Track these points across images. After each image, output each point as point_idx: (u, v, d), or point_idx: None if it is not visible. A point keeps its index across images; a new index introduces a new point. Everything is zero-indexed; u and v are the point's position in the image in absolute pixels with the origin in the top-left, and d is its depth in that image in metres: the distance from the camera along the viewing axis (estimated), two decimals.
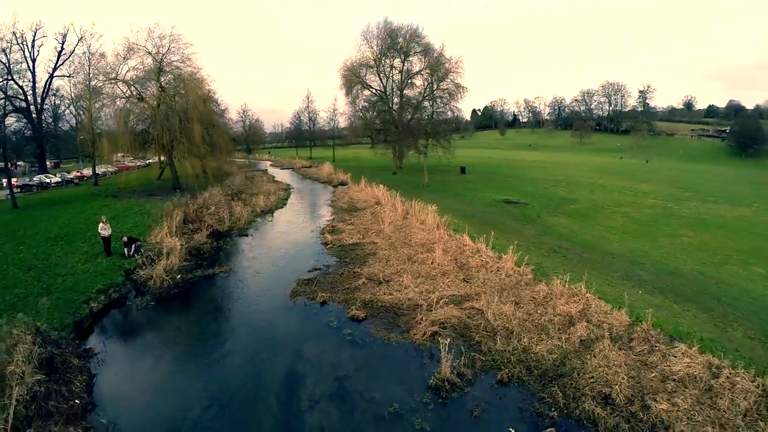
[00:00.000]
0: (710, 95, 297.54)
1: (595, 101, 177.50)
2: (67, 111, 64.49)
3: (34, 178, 48.39)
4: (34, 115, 56.21)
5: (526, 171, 58.27)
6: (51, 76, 56.77)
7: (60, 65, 55.89)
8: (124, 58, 37.75)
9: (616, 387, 9.36)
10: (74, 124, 65.94)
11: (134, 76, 38.34)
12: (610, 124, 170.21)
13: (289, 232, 26.09)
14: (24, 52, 55.01)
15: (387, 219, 24.23)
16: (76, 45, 54.18)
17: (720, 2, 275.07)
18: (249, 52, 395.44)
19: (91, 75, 44.18)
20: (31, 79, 56.32)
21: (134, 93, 38.15)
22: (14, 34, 52.97)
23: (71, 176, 53.37)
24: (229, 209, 29.24)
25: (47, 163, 65.72)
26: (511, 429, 8.00)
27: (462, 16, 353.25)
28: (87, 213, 28.78)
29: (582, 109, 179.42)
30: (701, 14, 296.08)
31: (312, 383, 10.10)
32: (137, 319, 14.39)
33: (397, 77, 60.46)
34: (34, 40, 55.32)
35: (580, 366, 10.16)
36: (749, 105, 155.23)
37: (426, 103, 60.87)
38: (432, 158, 51.93)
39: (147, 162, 68.48)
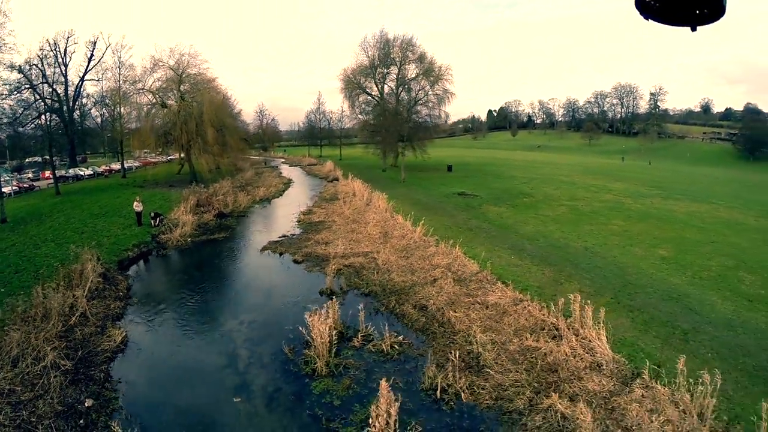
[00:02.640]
0: (732, 99, 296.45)
1: (608, 103, 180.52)
2: (93, 110, 73.17)
3: (69, 171, 57.18)
4: (65, 115, 65.36)
5: (511, 170, 62.58)
6: (81, 80, 65.89)
7: (90, 70, 64.92)
8: (150, 71, 46.06)
9: (432, 302, 15.01)
10: (100, 123, 75.05)
11: (159, 86, 46.54)
12: (622, 126, 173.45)
13: (275, 213, 34.47)
14: (57, 57, 64.18)
15: (352, 205, 31.64)
16: (104, 52, 63.04)
17: (740, 3, 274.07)
18: (274, 50, 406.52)
19: (121, 82, 52.70)
20: (64, 82, 65.46)
21: (158, 100, 46.33)
22: (48, 41, 62.10)
23: (101, 170, 62.02)
24: (234, 197, 37.06)
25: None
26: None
27: (488, 16, 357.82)
28: (121, 198, 36.72)
29: (595, 111, 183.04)
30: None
31: (263, 288, 17.81)
32: (158, 261, 22.26)
33: (392, 83, 67.38)
34: (66, 47, 64.42)
35: (419, 290, 16.23)
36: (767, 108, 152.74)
37: (419, 107, 67.36)
38: (423, 158, 59.40)
39: (168, 158, 77.12)
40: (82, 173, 57.27)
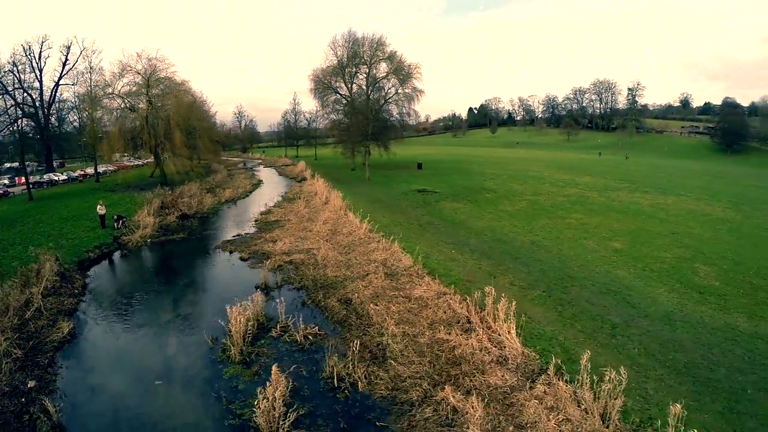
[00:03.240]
0: (712, 95, 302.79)
1: (587, 99, 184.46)
2: (70, 114, 74.20)
3: (45, 176, 58.26)
4: (41, 120, 66.40)
5: (482, 167, 63.10)
6: (56, 84, 66.90)
7: (65, 74, 65.95)
8: (119, 75, 47.43)
9: (357, 295, 16.21)
10: (78, 127, 75.97)
11: (127, 90, 47.91)
12: (602, 122, 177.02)
13: (236, 214, 36.26)
14: (32, 62, 65.11)
15: (310, 204, 33.55)
16: (78, 57, 64.24)
17: (723, 1, 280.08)
18: (254, 51, 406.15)
19: (92, 87, 54.04)
20: (39, 87, 66.44)
21: (127, 105, 47.74)
22: (23, 46, 63.10)
23: (76, 174, 63.14)
24: (199, 199, 38.72)
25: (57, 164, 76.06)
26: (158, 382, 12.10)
27: (468, 16, 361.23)
28: (90, 202, 38.01)
29: (574, 107, 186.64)
30: (703, 13, 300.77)
31: (205, 284, 19.79)
32: (117, 262, 23.92)
33: (362, 83, 68.79)
34: (41, 52, 65.34)
35: (349, 284, 17.51)
36: (746, 103, 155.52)
37: (390, 106, 68.58)
38: (392, 156, 61.17)
39: (143, 162, 78.16)
40: (56, 178, 58.34)
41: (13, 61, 61.52)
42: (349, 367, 11.49)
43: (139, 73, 46.98)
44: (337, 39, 71.09)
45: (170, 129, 46.12)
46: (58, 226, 29.64)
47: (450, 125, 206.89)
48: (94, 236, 27.00)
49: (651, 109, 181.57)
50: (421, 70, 66.77)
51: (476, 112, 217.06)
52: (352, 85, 68.54)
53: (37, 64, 65.32)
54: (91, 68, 56.44)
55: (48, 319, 15.56)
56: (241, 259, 22.61)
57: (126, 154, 67.01)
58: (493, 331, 12.29)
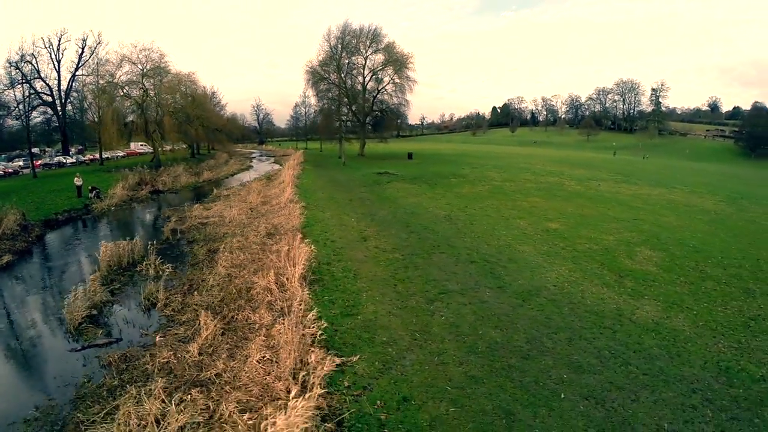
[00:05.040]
0: (746, 101, 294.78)
1: (610, 100, 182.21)
2: (84, 103, 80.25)
3: (54, 159, 64.19)
4: (59, 109, 72.65)
5: (474, 159, 61.60)
6: (73, 75, 72.91)
7: (81, 65, 71.89)
8: (118, 65, 52.66)
9: (224, 246, 18.13)
10: (98, 116, 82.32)
11: (126, 80, 53.15)
12: (624, 123, 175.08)
13: (203, 191, 40.30)
14: (50, 54, 71.29)
15: (267, 184, 37.55)
16: (94, 50, 70.06)
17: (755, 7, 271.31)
18: (285, 47, 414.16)
19: (99, 77, 59.49)
20: (57, 78, 72.58)
21: (125, 93, 52.96)
22: (42, 39, 69.25)
23: (84, 158, 68.90)
24: (176, 178, 43.30)
25: (72, 149, 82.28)
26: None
27: (499, 16, 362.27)
28: (82, 179, 43.09)
29: (597, 107, 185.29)
30: (738, 17, 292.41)
31: (133, 233, 23.55)
32: (79, 222, 28.28)
33: (357, 72, 70.67)
34: (59, 44, 71.39)
35: (228, 239, 19.71)
36: None
37: (385, 96, 71.12)
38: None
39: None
40: (65, 161, 64.16)
41: (32, 53, 67.73)
42: (162, 293, 13.95)
43: (134, 63, 52.04)
44: (331, 30, 72.64)
45: (163, 116, 50.91)
46: (45, 196, 34.24)
47: (472, 124, 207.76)
48: (69, 203, 31.52)
49: (679, 112, 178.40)
50: (413, 60, 68.62)
51: (499, 111, 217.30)
52: (345, 75, 69.69)
53: (56, 55, 71.38)
54: (98, 59, 61.81)
55: None
56: (167, 218, 26.87)
57: (144, 143, 73.05)
58: (287, 278, 13.41)
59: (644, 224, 21.47)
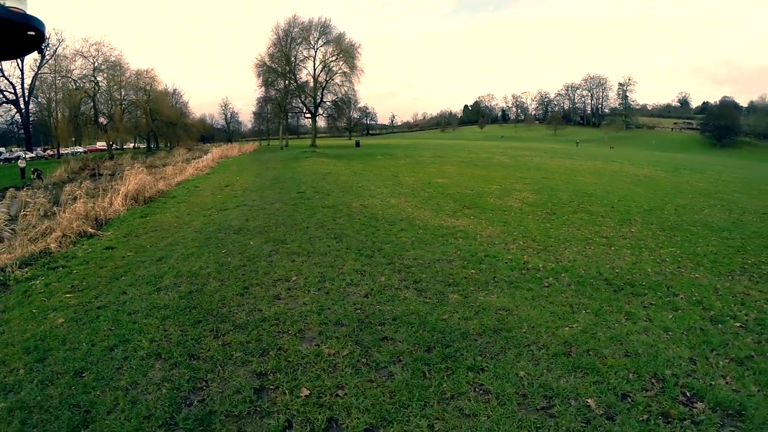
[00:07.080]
0: (717, 97, 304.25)
1: (578, 95, 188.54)
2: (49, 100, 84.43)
3: (15, 154, 68.41)
4: (22, 107, 76.64)
5: (419, 150, 58.92)
6: (36, 73, 76.72)
7: (44, 63, 75.87)
8: (72, 59, 57.33)
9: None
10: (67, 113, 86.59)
11: (79, 74, 57.80)
12: (593, 118, 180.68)
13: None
14: None
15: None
16: (57, 47, 74.19)
17: (726, 8, 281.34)
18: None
19: (56, 72, 63.85)
20: (20, 76, 76.53)
21: (77, 86, 57.56)
22: None
23: (44, 153, 73.11)
24: (119, 164, 48.00)
25: (38, 149, 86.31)
26: None
27: (477, 17, 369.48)
28: (25, 163, 47.63)
29: (566, 103, 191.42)
30: (710, 17, 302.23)
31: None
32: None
33: (309, 65, 74.29)
34: None
35: None
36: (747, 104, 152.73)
37: (336, 88, 74.76)
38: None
39: (122, 147, 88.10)
40: (24, 156, 68.34)
41: None
42: None
43: (86, 57, 56.74)
44: (279, 23, 75.19)
45: (113, 108, 55.56)
46: None
47: (441, 122, 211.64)
48: (12, 182, 36.16)
49: (649, 108, 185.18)
50: (361, 50, 72.77)
51: (470, 109, 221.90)
52: (295, 66, 72.95)
53: None
54: (56, 56, 66.09)
55: None
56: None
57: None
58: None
59: (549, 182, 20.66)
